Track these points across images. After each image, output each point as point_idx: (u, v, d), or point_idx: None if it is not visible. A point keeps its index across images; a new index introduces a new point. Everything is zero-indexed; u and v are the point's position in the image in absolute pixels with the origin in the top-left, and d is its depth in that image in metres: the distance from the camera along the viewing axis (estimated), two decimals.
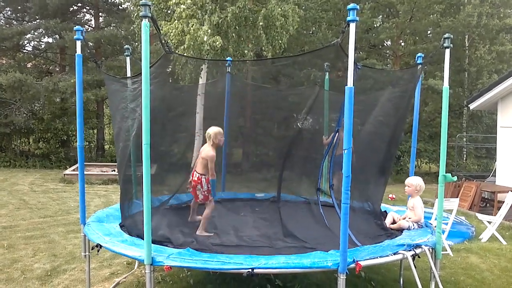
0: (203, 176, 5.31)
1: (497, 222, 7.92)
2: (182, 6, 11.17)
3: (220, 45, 10.94)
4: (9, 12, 21.91)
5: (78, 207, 8.74)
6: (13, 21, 21.82)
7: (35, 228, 7.95)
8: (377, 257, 3.90)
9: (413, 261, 4.09)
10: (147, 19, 3.59)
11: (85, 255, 4.91)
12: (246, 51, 11.98)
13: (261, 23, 11.33)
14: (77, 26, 4.83)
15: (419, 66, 5.46)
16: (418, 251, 4.19)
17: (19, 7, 21.09)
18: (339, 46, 4.19)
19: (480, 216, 8.38)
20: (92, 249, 4.47)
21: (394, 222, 5.29)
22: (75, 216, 8.83)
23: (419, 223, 5.12)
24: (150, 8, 3.60)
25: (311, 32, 19.34)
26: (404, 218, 5.25)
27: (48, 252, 6.47)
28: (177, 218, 5.52)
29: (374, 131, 5.88)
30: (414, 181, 5.26)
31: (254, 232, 5.08)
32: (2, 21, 21.87)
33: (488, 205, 11.55)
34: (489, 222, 7.97)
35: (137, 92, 4.74)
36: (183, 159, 7.10)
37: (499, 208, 8.34)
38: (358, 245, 4.39)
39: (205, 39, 10.77)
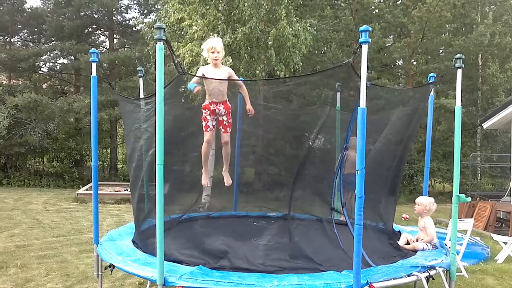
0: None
1: None
2: (194, 27, 11.34)
3: (231, 65, 11.04)
4: (26, 34, 22.44)
5: (91, 227, 8.79)
6: (30, 42, 22.32)
7: (48, 248, 7.99)
8: (390, 279, 3.85)
9: (427, 283, 4.03)
10: (161, 42, 3.66)
11: (98, 275, 4.93)
12: (257, 71, 12.08)
13: (270, 42, 11.43)
14: (92, 49, 4.94)
15: (431, 86, 5.48)
16: (432, 272, 4.14)
17: (36, 29, 21.61)
18: (351, 66, 4.23)
19: (495, 236, 8.25)
20: (105, 269, 4.49)
21: (407, 243, 5.23)
22: (88, 235, 8.86)
23: (432, 243, 5.06)
24: (164, 31, 3.67)
25: (322, 52, 19.45)
26: (417, 240, 5.19)
27: (60, 272, 6.49)
28: (190, 237, 5.50)
29: (384, 150, 5.87)
30: (425, 201, 5.22)
31: (266, 256, 5.04)
32: (19, 43, 22.39)
33: (503, 225, 11.37)
34: (505, 243, 7.84)
35: (150, 113, 4.80)
36: (195, 179, 7.12)
37: None
38: (371, 265, 4.35)
39: None
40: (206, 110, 5.03)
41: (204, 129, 5.07)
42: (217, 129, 5.27)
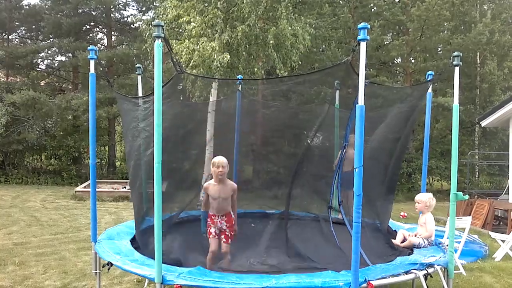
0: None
1: (511, 240, 7.80)
2: (193, 24, 11.31)
3: (228, 61, 11.02)
4: (23, 31, 22.39)
5: (89, 224, 8.77)
6: (28, 40, 22.29)
7: (46, 245, 7.99)
8: (389, 277, 3.86)
9: (425, 280, 4.04)
10: (160, 40, 3.64)
11: (96, 272, 4.92)
12: (256, 69, 12.06)
13: (271, 42, 11.42)
14: (90, 46, 4.92)
15: (429, 83, 5.47)
16: (430, 270, 4.14)
17: (33, 27, 21.57)
18: (349, 65, 4.23)
19: (493, 234, 8.27)
20: (103, 267, 4.48)
21: (404, 240, 5.24)
22: (86, 233, 8.86)
23: (429, 239, 5.06)
24: (163, 28, 3.66)
25: (321, 50, 19.44)
26: (415, 235, 5.19)
27: (58, 269, 6.48)
28: (187, 237, 5.51)
29: (381, 147, 5.87)
30: (424, 197, 5.22)
31: (263, 255, 5.05)
32: (16, 40, 22.35)
33: (501, 223, 11.40)
34: (503, 241, 7.85)
35: (148, 112, 4.79)
36: (194, 176, 7.12)
37: None
38: (369, 264, 4.35)
39: (215, 56, 10.88)
40: (209, 220, 5.14)
41: (207, 235, 5.15)
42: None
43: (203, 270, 3.92)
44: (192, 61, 11.10)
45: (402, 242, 5.22)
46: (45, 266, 6.64)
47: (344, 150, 6.24)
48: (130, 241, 5.02)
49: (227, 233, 5.05)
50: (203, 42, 11.03)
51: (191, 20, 11.38)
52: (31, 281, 5.91)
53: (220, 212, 5.05)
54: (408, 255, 4.72)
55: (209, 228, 5.11)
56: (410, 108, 5.64)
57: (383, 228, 5.60)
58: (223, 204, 5.04)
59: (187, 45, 11.19)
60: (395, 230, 5.73)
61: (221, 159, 4.97)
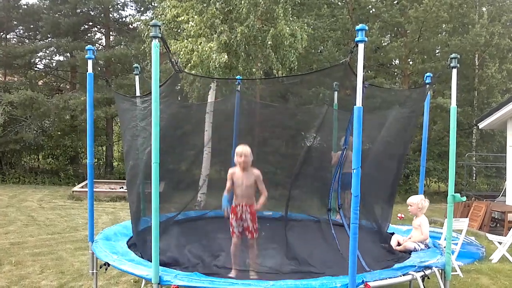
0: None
1: (508, 242, 7.81)
2: (191, 23, 11.30)
3: (226, 61, 11.01)
4: (21, 30, 22.36)
5: (86, 224, 8.75)
6: (25, 39, 22.24)
7: (43, 245, 7.96)
8: (386, 278, 3.86)
9: (422, 282, 4.04)
10: (157, 40, 3.64)
11: (93, 272, 4.91)
12: (254, 70, 12.06)
13: (269, 42, 11.42)
14: (88, 46, 4.91)
15: (427, 86, 5.48)
16: (427, 272, 4.14)
17: (31, 26, 21.52)
18: (348, 65, 4.23)
19: (490, 236, 8.27)
20: (100, 267, 4.47)
21: (399, 244, 5.23)
22: (83, 233, 8.84)
23: (425, 242, 5.06)
24: (160, 28, 3.65)
25: (319, 51, 19.45)
26: (409, 239, 5.19)
27: (55, 269, 6.46)
28: (184, 237, 5.50)
29: (382, 150, 5.87)
30: (415, 200, 5.21)
31: (260, 258, 5.05)
32: (14, 39, 22.31)
33: (498, 225, 11.40)
34: (500, 243, 7.86)
35: (146, 111, 4.79)
36: (191, 177, 7.12)
37: (509, 229, 8.24)
38: (367, 270, 4.35)
39: (213, 56, 10.87)
40: (233, 215, 5.06)
41: (231, 234, 5.12)
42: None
43: (199, 275, 3.87)
44: (192, 61, 11.09)
45: (397, 246, 5.21)
46: (41, 266, 6.62)
47: (345, 153, 6.23)
48: (127, 242, 5.02)
49: (251, 229, 5.02)
50: (201, 43, 11.03)
51: (190, 19, 11.38)
52: (28, 281, 5.89)
53: (244, 200, 5.02)
54: (406, 259, 4.72)
55: (232, 228, 5.07)
56: (410, 113, 5.64)
57: (382, 231, 5.60)
58: (247, 191, 5.03)
59: (186, 45, 11.18)
60: (392, 233, 5.73)
61: (243, 149, 5.01)
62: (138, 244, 4.88)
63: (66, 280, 5.99)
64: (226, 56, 10.94)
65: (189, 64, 11.15)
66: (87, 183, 5.05)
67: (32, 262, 6.80)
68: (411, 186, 17.61)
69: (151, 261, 3.75)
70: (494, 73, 18.40)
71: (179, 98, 11.33)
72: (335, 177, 6.51)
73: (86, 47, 4.88)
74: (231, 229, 5.09)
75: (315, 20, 17.23)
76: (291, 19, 12.25)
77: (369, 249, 5.00)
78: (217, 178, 8.83)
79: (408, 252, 5.00)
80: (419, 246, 5.01)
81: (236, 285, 3.64)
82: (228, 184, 5.10)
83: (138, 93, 6.05)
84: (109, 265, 4.28)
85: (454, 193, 4.38)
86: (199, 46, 10.97)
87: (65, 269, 6.49)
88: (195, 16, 11.34)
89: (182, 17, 11.46)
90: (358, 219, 3.49)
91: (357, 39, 3.52)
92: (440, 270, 4.39)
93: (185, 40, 11.40)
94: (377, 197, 5.69)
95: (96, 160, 20.34)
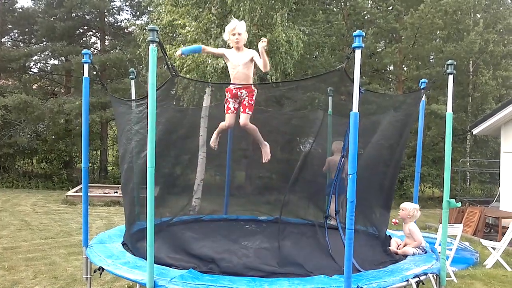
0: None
1: (502, 248, 7.85)
2: (187, 28, 11.32)
3: (222, 66, 11.02)
4: (16, 34, 22.31)
5: (80, 229, 8.72)
6: (20, 43, 22.21)
7: (36, 250, 7.92)
8: (381, 283, 3.85)
9: (417, 287, 4.04)
10: (154, 44, 3.64)
11: (87, 277, 4.88)
12: None
13: (266, 49, 11.44)
14: (85, 50, 4.91)
15: (422, 91, 5.50)
16: (422, 277, 4.15)
17: (26, 30, 21.50)
18: (344, 71, 4.24)
19: (484, 242, 8.31)
20: (94, 271, 4.45)
21: (397, 248, 5.24)
22: (77, 238, 8.79)
23: (421, 247, 5.07)
24: (157, 33, 3.65)
25: (314, 56, 19.51)
26: (405, 245, 5.20)
27: (49, 274, 6.42)
28: (180, 239, 5.47)
29: (377, 155, 5.87)
30: (409, 206, 5.20)
31: (255, 259, 5.03)
32: (9, 43, 22.25)
33: (492, 230, 11.45)
34: (494, 248, 7.90)
35: (142, 114, 4.78)
36: (186, 181, 7.10)
37: (503, 234, 8.27)
38: (360, 270, 4.34)
39: (209, 62, 10.88)
40: (228, 93, 4.81)
41: (225, 111, 4.88)
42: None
43: (195, 273, 3.90)
44: (185, 66, 11.09)
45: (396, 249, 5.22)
46: (35, 271, 6.58)
47: (343, 160, 6.23)
48: (122, 243, 4.99)
49: (245, 102, 4.72)
50: None
51: (186, 24, 11.40)
52: (21, 286, 5.86)
53: (241, 81, 4.73)
54: (401, 261, 4.72)
55: (227, 104, 4.83)
56: (404, 117, 5.66)
57: (380, 235, 5.60)
58: (243, 71, 4.71)
59: None
60: (389, 236, 5.73)
61: (236, 23, 4.66)
62: (133, 248, 4.85)
63: (60, 285, 5.96)
64: (223, 62, 10.96)
65: (184, 69, 11.15)
66: (81, 188, 5.04)
67: (25, 267, 6.76)
68: (406, 191, 17.67)
69: (144, 259, 3.73)
70: (488, 79, 18.57)
71: (173, 103, 11.33)
72: (334, 183, 6.50)
73: (83, 51, 4.87)
74: (225, 106, 4.86)
75: (310, 26, 17.29)
76: (286, 24, 12.29)
77: (365, 252, 4.98)
78: (212, 182, 8.81)
79: (405, 256, 5.00)
80: (417, 251, 5.02)
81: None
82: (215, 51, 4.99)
83: (133, 98, 6.04)
84: (103, 269, 4.26)
85: (449, 198, 4.39)
86: None
87: (58, 274, 6.46)
88: (193, 23, 11.36)
89: (178, 21, 11.48)
90: (354, 224, 3.49)
91: (354, 45, 3.52)
92: (435, 276, 4.40)
93: (182, 45, 11.41)
94: (374, 201, 5.69)
95: (90, 164, 20.23)
